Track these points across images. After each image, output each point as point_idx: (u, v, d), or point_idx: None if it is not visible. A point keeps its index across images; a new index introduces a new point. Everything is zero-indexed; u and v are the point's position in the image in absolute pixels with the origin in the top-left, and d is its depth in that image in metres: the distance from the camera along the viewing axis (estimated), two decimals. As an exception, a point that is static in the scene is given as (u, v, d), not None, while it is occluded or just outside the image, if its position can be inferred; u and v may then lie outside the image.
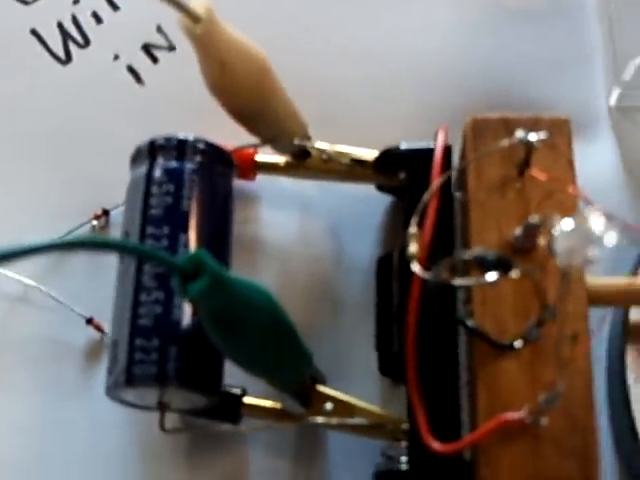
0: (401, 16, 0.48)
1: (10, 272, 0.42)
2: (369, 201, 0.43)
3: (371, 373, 0.40)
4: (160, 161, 0.39)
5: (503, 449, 0.35)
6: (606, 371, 0.41)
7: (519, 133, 0.37)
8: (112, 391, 0.37)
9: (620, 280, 0.37)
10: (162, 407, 0.37)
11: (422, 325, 0.36)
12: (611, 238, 0.29)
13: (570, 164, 0.39)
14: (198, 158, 0.39)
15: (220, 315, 0.32)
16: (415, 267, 0.35)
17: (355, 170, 0.42)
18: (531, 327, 0.36)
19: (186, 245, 0.37)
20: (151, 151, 0.39)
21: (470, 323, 0.36)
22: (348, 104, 0.46)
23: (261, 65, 0.38)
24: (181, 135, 0.39)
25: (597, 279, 0.37)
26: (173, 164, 0.38)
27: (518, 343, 0.36)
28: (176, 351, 0.36)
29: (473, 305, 0.36)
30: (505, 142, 0.37)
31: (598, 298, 0.37)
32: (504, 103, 0.45)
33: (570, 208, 0.38)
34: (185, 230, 0.37)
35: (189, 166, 0.38)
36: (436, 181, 0.38)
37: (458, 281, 0.34)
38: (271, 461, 0.40)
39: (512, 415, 0.34)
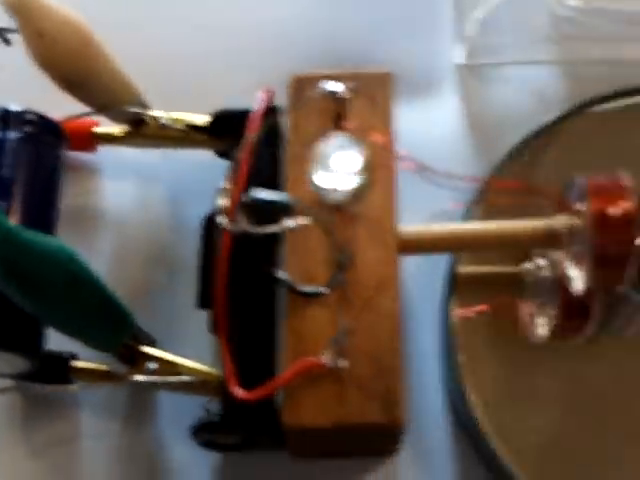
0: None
1: None
2: (210, 167, 0.44)
3: (206, 333, 0.40)
4: (-13, 131, 0.40)
5: (307, 394, 0.35)
6: (439, 323, 0.42)
7: (324, 85, 0.37)
8: None
9: (428, 227, 0.38)
10: (-16, 370, 0.38)
11: (235, 278, 0.37)
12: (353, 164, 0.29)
13: (387, 115, 0.39)
14: (25, 128, 0.40)
15: (10, 268, 0.33)
16: (221, 219, 0.36)
17: (191, 136, 0.43)
18: (334, 273, 0.36)
19: (7, 211, 0.38)
20: (-21, 122, 0.40)
21: (277, 273, 0.37)
22: (195, 75, 0.47)
23: (82, 34, 0.39)
24: (8, 106, 0.40)
25: (408, 227, 0.38)
26: (-5, 134, 0.40)
27: (323, 289, 0.36)
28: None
29: (284, 253, 0.37)
30: (312, 95, 0.38)
31: (408, 245, 0.37)
32: (352, 65, 0.46)
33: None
34: (6, 197, 0.39)
35: (14, 135, 0.40)
36: (250, 137, 0.38)
37: (254, 229, 0.35)
38: (102, 423, 0.41)
39: (313, 359, 0.35)
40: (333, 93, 0.38)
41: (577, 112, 0.44)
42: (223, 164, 0.44)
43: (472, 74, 0.46)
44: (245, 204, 0.34)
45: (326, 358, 0.35)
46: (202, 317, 0.40)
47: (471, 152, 0.45)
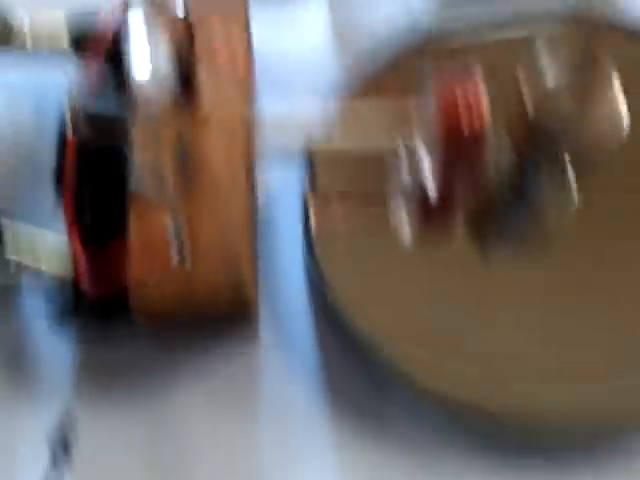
0: None
1: None
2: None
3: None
4: None
5: (156, 288, 0.38)
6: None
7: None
8: None
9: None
10: None
11: (86, 179, 0.40)
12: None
13: (241, 25, 0.42)
14: None
15: None
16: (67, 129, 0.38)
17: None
18: (179, 173, 0.39)
19: None
20: None
21: (128, 176, 0.39)
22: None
23: None
24: None
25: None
26: None
27: (169, 191, 0.39)
28: None
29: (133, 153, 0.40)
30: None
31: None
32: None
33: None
34: None
35: None
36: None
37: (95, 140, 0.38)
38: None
39: (159, 254, 0.38)
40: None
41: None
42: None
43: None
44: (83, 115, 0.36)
45: (172, 254, 0.38)
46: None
47: (334, 58, 0.48)
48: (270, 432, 0.42)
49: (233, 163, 0.39)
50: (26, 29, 0.44)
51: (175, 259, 0.38)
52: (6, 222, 0.41)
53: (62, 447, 0.43)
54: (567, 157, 0.39)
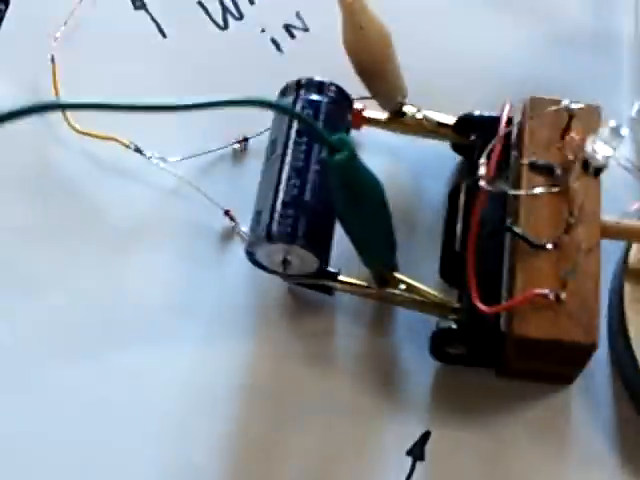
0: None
1: (168, 168, 0.62)
2: (445, 155, 0.62)
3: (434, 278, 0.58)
4: (302, 94, 0.58)
5: (531, 315, 0.52)
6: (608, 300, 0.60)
7: (565, 102, 0.56)
8: (252, 246, 0.55)
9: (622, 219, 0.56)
10: (285, 263, 0.55)
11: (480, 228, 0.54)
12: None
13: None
14: (330, 94, 0.58)
15: (348, 183, 0.49)
16: (482, 183, 0.53)
17: (439, 130, 0.61)
18: (560, 234, 0.54)
19: (319, 150, 0.56)
20: (297, 86, 0.58)
21: (516, 229, 0.54)
22: (443, 86, 0.66)
23: (385, 35, 0.56)
24: (318, 78, 0.59)
25: (610, 217, 0.56)
26: (313, 96, 0.58)
27: (550, 245, 0.54)
28: (305, 221, 0.54)
29: (519, 215, 0.55)
30: (552, 109, 0.56)
31: (608, 232, 0.56)
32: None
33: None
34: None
35: (324, 99, 0.58)
36: (501, 131, 0.56)
37: (512, 191, 0.53)
38: (354, 327, 0.59)
39: (540, 290, 0.52)
40: (570, 109, 0.56)
41: None
42: (453, 155, 0.62)
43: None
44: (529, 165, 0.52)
45: (549, 292, 0.52)
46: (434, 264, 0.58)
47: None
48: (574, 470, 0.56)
49: (590, 236, 0.55)
50: (419, 114, 0.61)
51: (553, 295, 0.52)
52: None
53: (418, 457, 0.57)
54: None
